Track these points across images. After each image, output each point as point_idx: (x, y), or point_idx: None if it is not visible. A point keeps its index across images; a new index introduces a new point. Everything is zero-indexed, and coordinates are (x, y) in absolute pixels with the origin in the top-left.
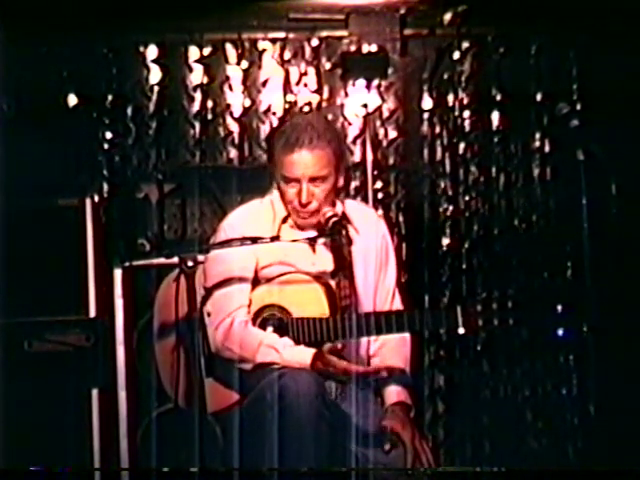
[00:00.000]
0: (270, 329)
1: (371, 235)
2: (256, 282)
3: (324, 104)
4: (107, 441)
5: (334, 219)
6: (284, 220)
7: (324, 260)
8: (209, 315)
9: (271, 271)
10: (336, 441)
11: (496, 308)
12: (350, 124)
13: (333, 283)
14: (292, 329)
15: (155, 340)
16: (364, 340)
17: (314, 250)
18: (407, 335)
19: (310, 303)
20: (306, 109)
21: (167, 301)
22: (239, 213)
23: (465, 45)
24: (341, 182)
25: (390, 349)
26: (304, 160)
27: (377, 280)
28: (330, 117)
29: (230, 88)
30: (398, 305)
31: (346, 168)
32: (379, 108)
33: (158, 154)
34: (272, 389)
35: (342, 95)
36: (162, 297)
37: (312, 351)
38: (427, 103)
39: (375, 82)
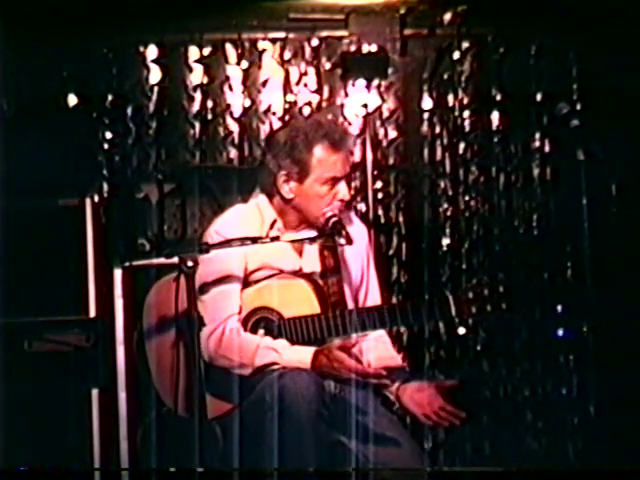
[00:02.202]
0: (262, 331)
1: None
2: (245, 287)
3: (324, 104)
4: (107, 441)
5: (334, 219)
6: (272, 225)
7: (314, 262)
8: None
9: (260, 275)
10: (336, 440)
11: (494, 307)
12: (350, 124)
13: (322, 282)
14: (284, 330)
15: (147, 345)
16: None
17: (307, 252)
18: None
19: (300, 303)
20: (306, 109)
21: (158, 306)
22: (225, 219)
23: (465, 45)
24: None
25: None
26: (348, 158)
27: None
28: (330, 117)
29: (230, 88)
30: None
31: None
32: (379, 108)
33: (158, 154)
34: (271, 391)
35: (342, 95)
36: (151, 303)
37: (311, 350)
38: (427, 103)
39: (375, 82)
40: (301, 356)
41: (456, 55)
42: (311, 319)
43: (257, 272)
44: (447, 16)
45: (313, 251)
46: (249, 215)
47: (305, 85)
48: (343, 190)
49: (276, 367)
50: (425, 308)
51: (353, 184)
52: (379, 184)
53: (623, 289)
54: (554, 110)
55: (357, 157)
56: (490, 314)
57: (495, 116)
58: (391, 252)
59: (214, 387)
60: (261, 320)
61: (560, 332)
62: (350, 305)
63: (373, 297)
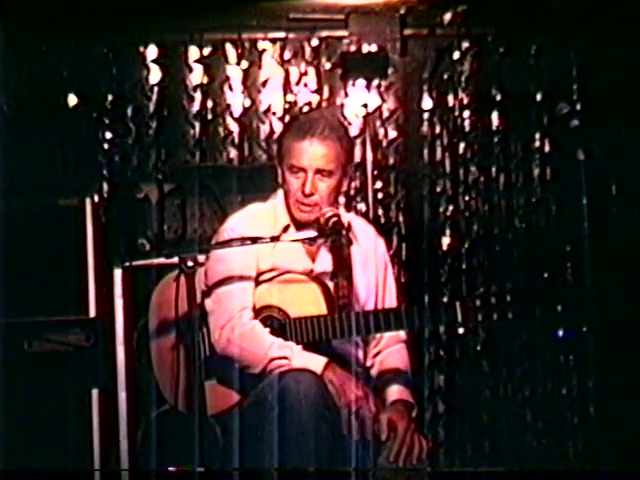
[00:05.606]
0: (268, 330)
1: (370, 246)
2: (257, 285)
3: (324, 104)
4: (107, 441)
5: (334, 219)
6: (285, 229)
7: (324, 263)
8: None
9: (270, 275)
10: (337, 441)
11: (495, 308)
12: (350, 124)
13: (331, 284)
14: (290, 329)
15: (151, 343)
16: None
17: (315, 254)
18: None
19: (308, 303)
20: (306, 109)
21: (162, 304)
22: (240, 217)
23: (465, 45)
24: (345, 184)
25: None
26: (314, 150)
27: (376, 283)
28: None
29: (230, 88)
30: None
31: (351, 171)
32: (379, 108)
33: (158, 154)
34: (273, 390)
35: (342, 95)
36: (156, 301)
37: (324, 360)
38: (427, 103)
39: (375, 82)
40: (312, 364)
41: (456, 55)
42: (317, 320)
43: (269, 272)
44: (447, 16)
45: (325, 254)
46: (263, 216)
47: (305, 85)
48: (305, 183)
49: (285, 367)
50: (430, 312)
51: (318, 176)
52: (379, 184)
53: (623, 289)
54: (554, 110)
55: (357, 157)
56: (492, 316)
57: (495, 116)
58: (391, 252)
59: (220, 382)
60: (267, 319)
61: (560, 332)
62: (358, 308)
63: (389, 301)
